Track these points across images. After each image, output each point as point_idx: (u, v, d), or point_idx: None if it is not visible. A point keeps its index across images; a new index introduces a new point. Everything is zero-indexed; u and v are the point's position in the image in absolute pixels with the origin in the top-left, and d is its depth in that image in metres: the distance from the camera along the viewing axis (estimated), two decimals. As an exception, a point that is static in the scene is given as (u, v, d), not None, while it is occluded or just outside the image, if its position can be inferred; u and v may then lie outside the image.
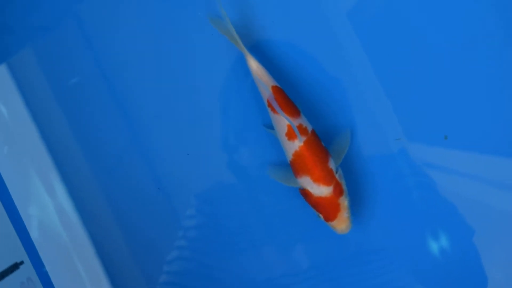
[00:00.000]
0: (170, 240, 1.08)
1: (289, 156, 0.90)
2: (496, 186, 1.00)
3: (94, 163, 1.09)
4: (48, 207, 1.08)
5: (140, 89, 1.07)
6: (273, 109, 0.89)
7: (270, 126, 1.00)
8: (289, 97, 0.93)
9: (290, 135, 0.88)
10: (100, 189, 1.08)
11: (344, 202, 0.90)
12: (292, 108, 0.91)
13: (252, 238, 1.07)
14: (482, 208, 1.00)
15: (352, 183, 1.02)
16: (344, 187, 0.92)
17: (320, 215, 0.91)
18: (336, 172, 0.91)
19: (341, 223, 0.90)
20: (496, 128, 0.98)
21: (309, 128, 0.91)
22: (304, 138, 0.88)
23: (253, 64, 0.91)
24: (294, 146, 0.89)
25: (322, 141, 0.94)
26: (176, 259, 1.09)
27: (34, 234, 1.07)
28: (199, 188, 1.07)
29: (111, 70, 1.07)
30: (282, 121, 0.89)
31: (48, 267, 1.07)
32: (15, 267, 1.01)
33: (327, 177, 0.89)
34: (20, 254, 1.04)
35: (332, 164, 0.91)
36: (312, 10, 1.00)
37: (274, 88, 0.90)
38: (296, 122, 0.89)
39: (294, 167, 0.91)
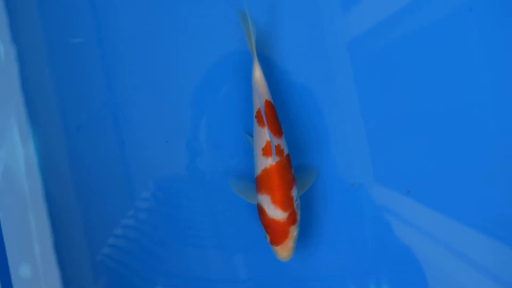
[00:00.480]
0: (120, 215, 1.10)
1: (258, 170, 0.92)
2: (449, 250, 0.99)
3: (68, 120, 1.10)
4: (17, 153, 1.11)
5: (131, 63, 1.08)
6: (260, 122, 0.90)
7: (252, 134, 1.00)
8: (277, 116, 0.94)
9: (266, 152, 0.90)
10: (67, 147, 1.10)
11: (294, 231, 0.91)
12: (277, 127, 0.92)
13: (198, 236, 1.08)
14: (431, 269, 0.99)
15: (307, 217, 1.02)
16: (298, 217, 0.93)
17: (268, 237, 0.92)
18: (295, 201, 0.92)
19: (284, 251, 0.91)
20: (461, 191, 0.98)
21: (285, 152, 0.93)
22: (277, 159, 0.89)
23: (257, 73, 0.93)
24: (266, 163, 0.90)
25: (293, 168, 0.95)
26: (121, 236, 1.10)
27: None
28: (161, 174, 1.08)
29: (107, 33, 1.08)
30: (264, 136, 0.90)
31: (1, 213, 1.10)
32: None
33: (286, 203, 0.90)
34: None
35: (294, 193, 0.92)
36: (315, 42, 1.01)
37: (267, 102, 0.91)
38: (276, 141, 0.90)
39: (258, 183, 0.92)
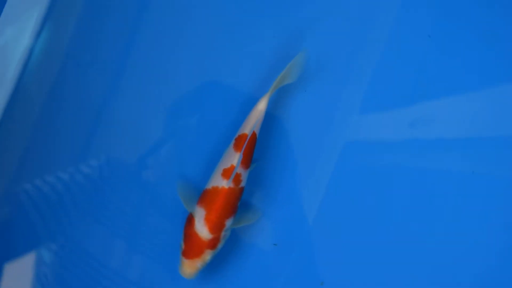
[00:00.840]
0: (53, 176, 1.05)
1: (209, 185, 0.91)
2: None
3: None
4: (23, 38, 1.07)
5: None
6: (237, 145, 0.91)
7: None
8: (253, 151, 0.94)
9: (226, 173, 0.90)
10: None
11: (207, 255, 0.90)
12: (248, 159, 0.92)
13: (123, 227, 1.03)
14: None
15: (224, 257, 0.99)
16: (219, 246, 0.91)
17: (182, 247, 0.90)
18: (225, 231, 0.91)
19: (190, 267, 0.89)
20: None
21: (242, 184, 0.92)
22: (231, 185, 0.89)
23: (262, 105, 0.93)
24: (220, 182, 0.90)
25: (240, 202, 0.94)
26: (45, 195, 1.05)
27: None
28: (112, 152, 1.05)
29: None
30: (232, 159, 0.90)
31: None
32: None
33: (216, 226, 0.89)
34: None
35: (228, 223, 0.91)
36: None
37: (254, 134, 0.92)
38: (239, 170, 0.90)
39: (203, 195, 0.92)
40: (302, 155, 1.00)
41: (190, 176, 1.02)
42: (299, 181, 0.99)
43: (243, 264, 0.99)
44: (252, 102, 0.94)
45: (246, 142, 0.90)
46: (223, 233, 0.90)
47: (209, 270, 0.98)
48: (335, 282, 0.96)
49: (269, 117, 1.00)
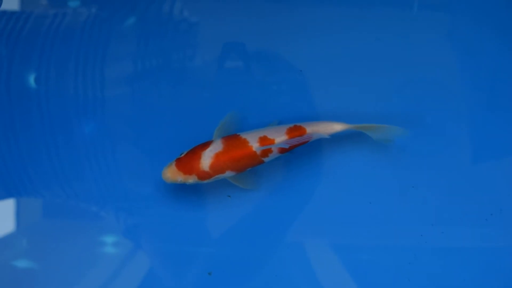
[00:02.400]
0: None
1: (244, 135, 0.90)
2: None
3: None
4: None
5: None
6: (290, 132, 0.90)
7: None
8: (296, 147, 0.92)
9: (262, 141, 0.89)
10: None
11: (191, 179, 0.89)
12: (287, 150, 0.92)
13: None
14: None
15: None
16: (205, 182, 0.90)
17: (181, 155, 0.90)
18: (220, 177, 0.90)
19: (172, 175, 0.89)
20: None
21: (265, 160, 0.91)
22: (258, 152, 0.89)
23: (338, 127, 0.91)
24: (253, 143, 0.89)
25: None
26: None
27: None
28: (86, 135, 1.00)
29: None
30: (278, 137, 0.90)
31: None
32: None
33: (217, 168, 0.89)
34: None
35: (228, 174, 0.90)
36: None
37: (310, 137, 0.91)
38: (274, 149, 0.90)
39: (231, 138, 0.90)
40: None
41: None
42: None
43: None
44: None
45: (299, 137, 0.89)
46: (217, 176, 0.90)
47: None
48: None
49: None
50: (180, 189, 0.97)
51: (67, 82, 0.99)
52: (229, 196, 0.96)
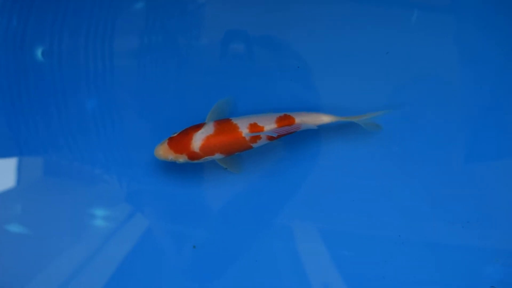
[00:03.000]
0: None
1: (235, 121, 0.93)
2: None
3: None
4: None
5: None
6: (280, 121, 0.93)
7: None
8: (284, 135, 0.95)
9: (252, 128, 0.92)
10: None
11: (182, 159, 0.93)
12: (276, 138, 0.94)
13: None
14: None
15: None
16: (195, 162, 0.94)
17: (174, 134, 0.94)
18: (209, 158, 0.94)
19: (164, 153, 0.93)
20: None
21: (254, 146, 0.94)
22: (247, 138, 0.92)
23: (327, 119, 0.94)
24: (243, 128, 0.92)
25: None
26: None
27: None
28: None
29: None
30: (267, 125, 0.92)
31: None
32: None
33: (207, 150, 0.92)
34: None
35: (217, 156, 0.94)
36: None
37: (299, 127, 0.93)
38: (263, 136, 0.93)
39: (223, 122, 0.93)
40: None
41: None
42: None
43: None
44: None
45: (288, 126, 0.92)
46: (206, 157, 0.93)
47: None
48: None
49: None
50: (171, 171, 1.02)
51: (77, 52, 1.03)
52: (226, 169, 0.99)
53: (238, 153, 0.97)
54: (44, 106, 1.04)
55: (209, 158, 0.94)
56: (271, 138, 0.94)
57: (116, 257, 1.02)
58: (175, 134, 0.94)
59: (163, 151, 0.94)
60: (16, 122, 1.04)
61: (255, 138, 0.93)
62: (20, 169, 1.05)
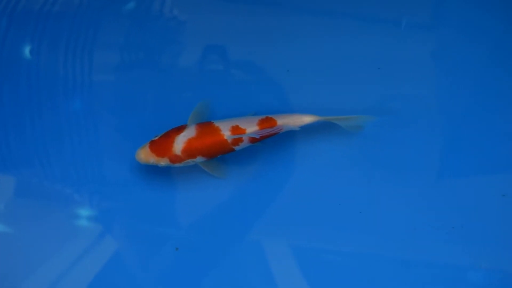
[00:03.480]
0: None
1: (217, 124, 0.93)
2: None
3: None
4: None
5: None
6: (262, 124, 0.93)
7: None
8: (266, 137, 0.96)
9: (234, 130, 0.92)
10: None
11: (163, 162, 0.92)
12: (258, 140, 0.95)
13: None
14: None
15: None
16: (176, 165, 0.94)
17: (156, 137, 0.93)
18: (191, 161, 0.93)
19: (145, 156, 0.92)
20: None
21: (236, 148, 0.94)
22: (229, 140, 0.92)
23: (308, 119, 0.95)
24: (225, 131, 0.92)
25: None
26: None
27: None
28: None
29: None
30: (249, 127, 0.93)
31: None
32: None
33: (189, 153, 0.92)
34: None
35: (199, 159, 0.93)
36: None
37: (280, 128, 0.94)
38: (245, 139, 0.93)
39: (205, 125, 0.93)
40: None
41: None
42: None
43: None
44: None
45: (270, 128, 0.92)
46: (188, 160, 0.93)
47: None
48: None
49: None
50: (154, 174, 1.01)
51: (57, 62, 1.04)
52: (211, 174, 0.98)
53: (220, 157, 0.97)
54: (17, 118, 1.03)
55: (191, 161, 0.94)
56: (253, 140, 0.95)
57: (99, 261, 0.99)
58: (157, 137, 0.94)
59: (144, 154, 0.93)
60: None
61: (237, 141, 0.93)
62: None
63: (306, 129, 1.00)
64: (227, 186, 1.01)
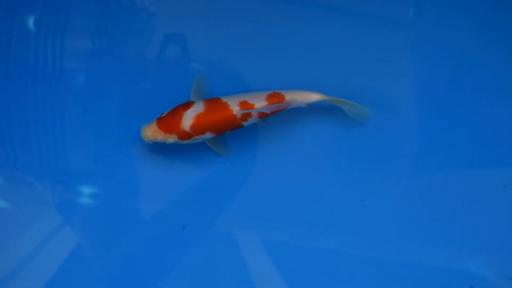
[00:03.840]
0: None
1: (225, 99, 0.92)
2: None
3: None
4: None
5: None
6: (270, 99, 0.92)
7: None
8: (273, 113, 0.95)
9: (243, 105, 0.91)
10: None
11: (171, 139, 0.91)
12: (266, 115, 0.94)
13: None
14: None
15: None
16: (184, 142, 0.92)
17: (162, 115, 0.92)
18: (199, 138, 0.92)
19: (152, 134, 0.91)
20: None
21: (244, 124, 0.93)
22: (238, 116, 0.91)
23: (315, 97, 0.94)
24: (234, 106, 0.91)
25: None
26: None
27: None
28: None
29: None
30: (258, 102, 0.92)
31: None
32: None
33: (198, 129, 0.91)
34: None
35: (208, 135, 0.92)
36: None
37: (288, 104, 0.93)
38: (253, 113, 0.92)
39: (213, 101, 0.92)
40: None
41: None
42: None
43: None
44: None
45: (279, 103, 0.92)
46: (196, 137, 0.91)
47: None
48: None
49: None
50: (119, 170, 0.99)
51: (27, 48, 1.04)
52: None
53: (227, 133, 0.96)
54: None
55: (199, 138, 0.92)
56: (261, 115, 0.93)
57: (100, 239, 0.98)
58: (164, 114, 0.92)
59: (152, 132, 0.91)
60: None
61: (245, 116, 0.92)
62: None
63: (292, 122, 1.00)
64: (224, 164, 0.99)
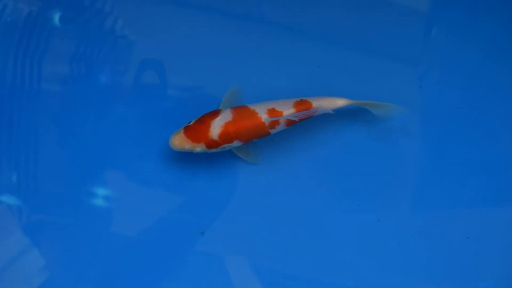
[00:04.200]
0: None
1: (253, 107, 0.92)
2: None
3: None
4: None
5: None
6: (298, 106, 0.93)
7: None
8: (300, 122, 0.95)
9: (271, 113, 0.92)
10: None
11: (199, 148, 0.91)
12: (294, 123, 0.94)
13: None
14: None
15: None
16: (212, 151, 0.93)
17: (190, 123, 0.92)
18: (227, 146, 0.92)
19: (180, 142, 0.90)
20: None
21: (272, 131, 0.94)
22: (266, 123, 0.91)
23: (342, 102, 0.95)
24: (262, 114, 0.91)
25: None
26: None
27: None
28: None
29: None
30: (286, 110, 0.92)
31: None
32: None
33: (226, 137, 0.90)
34: None
35: (236, 143, 0.92)
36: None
37: (315, 111, 0.94)
38: (282, 121, 0.93)
39: (240, 108, 0.92)
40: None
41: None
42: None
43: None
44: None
45: (306, 110, 0.92)
46: (224, 145, 0.91)
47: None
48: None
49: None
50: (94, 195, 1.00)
51: (5, 69, 1.05)
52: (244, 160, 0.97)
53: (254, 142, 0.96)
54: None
55: (226, 146, 0.92)
56: (289, 123, 0.94)
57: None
58: (191, 123, 0.92)
59: (180, 141, 0.90)
60: None
61: (274, 124, 0.92)
62: None
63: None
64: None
